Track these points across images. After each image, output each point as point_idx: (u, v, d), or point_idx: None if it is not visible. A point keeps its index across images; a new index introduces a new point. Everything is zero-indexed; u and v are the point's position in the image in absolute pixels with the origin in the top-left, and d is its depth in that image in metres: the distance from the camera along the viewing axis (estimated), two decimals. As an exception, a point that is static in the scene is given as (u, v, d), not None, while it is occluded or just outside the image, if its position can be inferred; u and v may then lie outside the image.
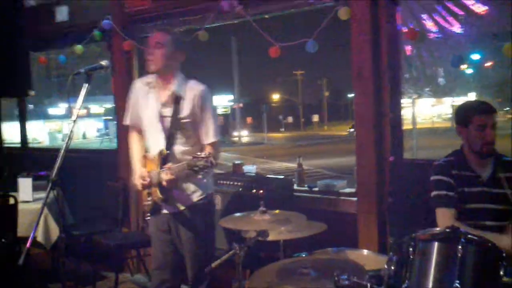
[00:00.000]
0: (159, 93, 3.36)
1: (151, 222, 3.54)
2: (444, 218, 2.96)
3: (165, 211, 3.43)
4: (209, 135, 3.32)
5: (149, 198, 3.39)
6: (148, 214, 3.46)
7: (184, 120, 3.29)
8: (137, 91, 3.49)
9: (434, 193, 3.04)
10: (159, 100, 3.35)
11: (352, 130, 31.01)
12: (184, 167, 3.02)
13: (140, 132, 3.56)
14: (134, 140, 3.58)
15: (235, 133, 45.06)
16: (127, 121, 3.57)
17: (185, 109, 3.29)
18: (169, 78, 3.33)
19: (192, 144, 3.35)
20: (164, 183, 3.17)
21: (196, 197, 3.40)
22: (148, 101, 3.41)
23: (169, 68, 3.32)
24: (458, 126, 3.10)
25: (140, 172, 3.37)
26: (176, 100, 3.29)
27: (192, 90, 3.32)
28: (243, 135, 45.25)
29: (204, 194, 3.43)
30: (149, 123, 3.41)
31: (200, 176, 3.08)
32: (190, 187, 3.38)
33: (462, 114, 3.07)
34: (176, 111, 3.29)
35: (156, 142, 3.36)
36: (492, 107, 3.01)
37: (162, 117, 3.34)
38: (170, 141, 3.31)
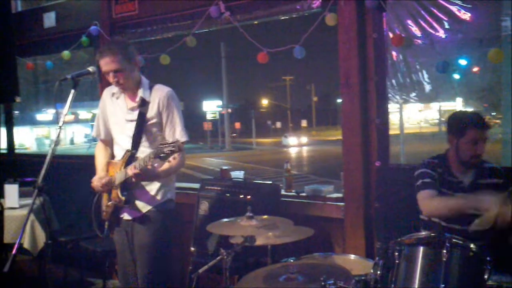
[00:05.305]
0: (126, 100, 3.41)
1: (116, 232, 3.49)
2: (426, 196, 2.97)
3: (125, 216, 3.40)
4: (175, 135, 3.27)
5: (109, 203, 3.37)
6: (107, 223, 3.43)
7: (150, 122, 3.32)
8: (105, 99, 3.54)
9: (419, 182, 3.05)
10: (126, 106, 3.39)
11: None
12: (150, 157, 2.99)
13: (107, 143, 3.60)
14: (99, 150, 3.62)
15: (292, 139, 42.39)
16: (101, 136, 3.60)
17: (151, 111, 3.32)
18: (135, 86, 3.37)
19: None
20: (132, 179, 3.15)
21: (159, 198, 3.37)
22: (115, 108, 3.45)
23: (134, 79, 3.35)
24: (450, 135, 3.09)
25: (98, 175, 3.41)
26: (143, 103, 3.33)
27: (158, 92, 3.35)
28: (303, 142, 42.27)
29: (166, 196, 3.41)
30: (117, 129, 3.46)
31: (167, 164, 3.09)
32: (153, 187, 3.37)
33: (457, 125, 3.04)
34: (142, 114, 3.32)
35: (123, 146, 3.38)
36: (488, 122, 2.99)
37: (128, 122, 3.37)
38: (135, 143, 3.32)
